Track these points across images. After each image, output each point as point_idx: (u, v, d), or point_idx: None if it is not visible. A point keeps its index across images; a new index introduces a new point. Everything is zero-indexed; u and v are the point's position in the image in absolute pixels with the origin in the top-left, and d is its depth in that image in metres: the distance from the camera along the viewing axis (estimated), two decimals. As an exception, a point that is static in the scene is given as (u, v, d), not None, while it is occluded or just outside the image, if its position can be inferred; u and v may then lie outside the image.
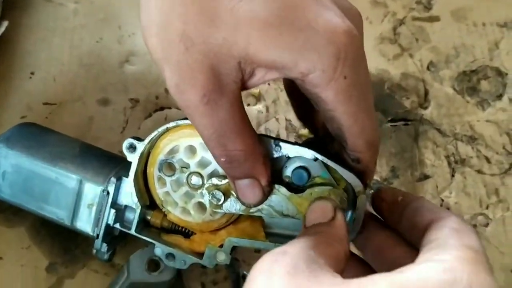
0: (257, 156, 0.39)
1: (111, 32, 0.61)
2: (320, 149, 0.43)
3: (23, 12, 0.60)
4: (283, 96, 0.62)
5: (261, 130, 0.61)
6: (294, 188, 0.43)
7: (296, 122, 0.62)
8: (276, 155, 0.42)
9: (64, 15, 0.61)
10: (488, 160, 0.61)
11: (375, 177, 0.59)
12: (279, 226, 0.45)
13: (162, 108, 0.60)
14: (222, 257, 0.45)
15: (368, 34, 0.67)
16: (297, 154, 0.42)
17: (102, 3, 0.62)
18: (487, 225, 0.58)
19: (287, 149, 0.42)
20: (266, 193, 0.41)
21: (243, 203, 0.42)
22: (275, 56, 0.34)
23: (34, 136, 0.49)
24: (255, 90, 0.62)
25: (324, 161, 0.42)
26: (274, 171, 0.43)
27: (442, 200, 0.59)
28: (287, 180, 0.43)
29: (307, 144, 0.45)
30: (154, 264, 0.49)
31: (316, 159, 0.42)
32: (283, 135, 0.61)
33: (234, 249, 0.46)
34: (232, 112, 0.35)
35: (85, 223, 0.47)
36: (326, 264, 0.30)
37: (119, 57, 0.61)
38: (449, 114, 0.63)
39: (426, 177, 0.60)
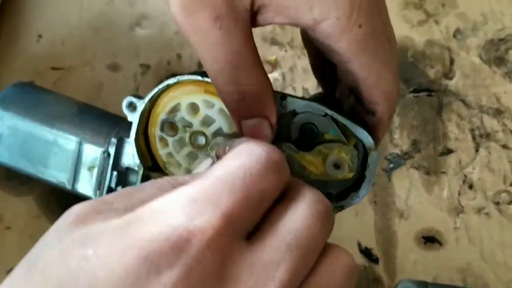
0: (269, 95, 0.36)
1: (122, -6, 0.60)
2: (330, 105, 0.40)
3: (31, -28, 0.59)
4: (301, 64, 0.59)
5: (275, 99, 0.58)
6: (302, 145, 0.41)
7: (314, 90, 0.59)
8: (283, 111, 0.40)
9: (74, -24, 0.59)
10: (515, 134, 0.57)
11: (396, 150, 0.56)
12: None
13: (174, 74, 0.58)
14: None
15: None
16: (305, 109, 0.40)
17: (113, -36, 0.60)
18: (510, 202, 0.54)
19: (294, 104, 0.40)
20: (274, 133, 0.38)
21: None
22: None
23: (30, 96, 0.47)
24: (271, 57, 0.60)
25: (334, 117, 0.39)
26: (281, 129, 0.40)
27: (465, 176, 0.55)
28: (294, 137, 0.41)
29: (315, 99, 0.42)
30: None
31: (325, 115, 0.40)
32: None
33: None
34: (246, 42, 0.32)
35: (86, 186, 0.45)
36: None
37: (130, 20, 0.59)
38: (475, 85, 0.59)
39: (449, 151, 0.57)
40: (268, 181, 0.27)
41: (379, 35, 0.34)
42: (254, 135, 0.38)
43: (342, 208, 0.42)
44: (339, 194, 0.42)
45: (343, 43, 0.33)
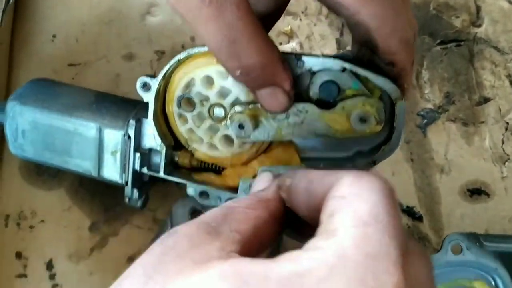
0: (276, 64, 0.34)
1: (129, -16, 0.59)
2: (349, 60, 0.38)
3: (38, -27, 0.59)
4: (317, 30, 0.57)
5: (296, 69, 0.56)
6: (325, 104, 0.38)
7: (333, 57, 0.57)
8: (299, 71, 0.38)
9: (80, -28, 0.59)
10: (557, 73, 0.54)
11: (428, 105, 0.53)
12: (314, 149, 0.41)
13: (189, 56, 0.57)
14: (257, 189, 0.42)
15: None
16: (322, 67, 0.38)
17: (117, -45, 0.60)
18: (562, 143, 0.51)
19: (310, 63, 0.38)
20: (291, 97, 0.37)
21: (270, 112, 0.38)
22: None
23: (47, 89, 0.47)
24: (286, 28, 0.58)
25: (353, 70, 0.37)
26: (301, 89, 0.39)
27: (507, 123, 0.52)
28: (315, 97, 0.38)
29: (333, 56, 0.40)
30: (197, 214, 0.46)
31: (344, 70, 0.37)
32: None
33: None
34: (240, 14, 0.31)
35: (112, 172, 0.45)
36: (227, 235, 0.25)
37: (140, 10, 0.58)
38: (506, 30, 0.56)
39: (486, 100, 0.53)
40: None
41: None
42: (270, 104, 0.37)
43: (374, 163, 0.39)
44: (371, 150, 0.40)
45: None
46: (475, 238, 0.43)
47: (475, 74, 0.54)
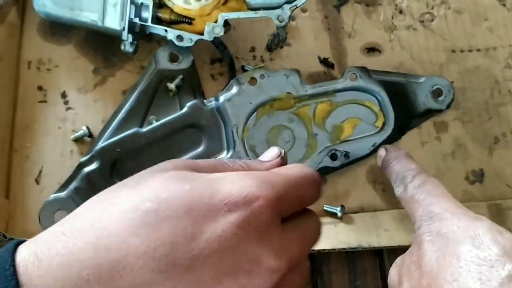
0: None
1: None
2: None
3: None
4: None
5: None
6: None
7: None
8: None
9: None
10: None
11: None
12: (257, 1, 0.60)
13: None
14: (218, 30, 0.60)
15: None
16: None
17: None
18: (432, 20, 0.71)
19: None
20: None
21: None
22: None
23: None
24: None
25: None
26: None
27: (396, 5, 0.72)
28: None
29: None
30: (175, 56, 0.64)
31: None
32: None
33: (227, 24, 0.61)
34: None
35: (113, 20, 0.62)
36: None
37: None
38: None
39: (382, -11, 0.73)
40: (306, 193, 0.38)
41: None
42: None
43: (296, 6, 0.59)
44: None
45: None
46: (366, 71, 0.64)
47: (377, -28, 0.74)
